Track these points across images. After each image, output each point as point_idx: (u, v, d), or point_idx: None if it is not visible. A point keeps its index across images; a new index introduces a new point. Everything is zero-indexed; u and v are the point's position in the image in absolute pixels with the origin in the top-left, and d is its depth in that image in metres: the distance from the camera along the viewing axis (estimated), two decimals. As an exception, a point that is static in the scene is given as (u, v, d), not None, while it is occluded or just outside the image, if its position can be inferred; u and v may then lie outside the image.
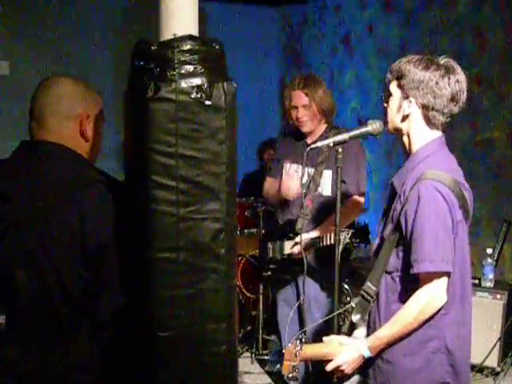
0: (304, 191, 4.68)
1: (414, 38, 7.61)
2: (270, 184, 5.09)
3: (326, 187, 4.66)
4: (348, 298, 6.33)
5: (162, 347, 2.30)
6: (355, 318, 3.10)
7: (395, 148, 7.63)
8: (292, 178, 4.68)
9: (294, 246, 4.62)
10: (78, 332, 2.38)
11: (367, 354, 2.98)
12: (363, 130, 3.46)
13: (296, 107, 4.80)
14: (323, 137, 4.64)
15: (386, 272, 3.01)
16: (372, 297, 3.04)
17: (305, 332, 4.34)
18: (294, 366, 3.03)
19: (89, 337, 2.40)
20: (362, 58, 8.40)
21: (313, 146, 3.64)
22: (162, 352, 2.31)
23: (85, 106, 2.57)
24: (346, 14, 8.67)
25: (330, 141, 3.51)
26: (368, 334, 3.07)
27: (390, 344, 2.95)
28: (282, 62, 9.71)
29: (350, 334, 3.13)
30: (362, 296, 3.08)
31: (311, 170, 4.71)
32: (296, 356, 3.01)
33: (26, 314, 2.33)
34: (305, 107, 4.77)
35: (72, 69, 7.44)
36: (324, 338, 3.15)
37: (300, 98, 4.78)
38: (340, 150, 3.45)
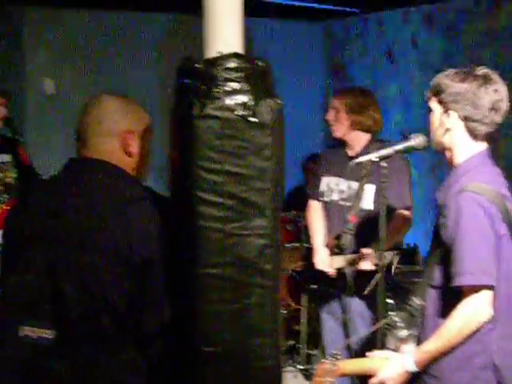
0: (341, 202, 4.70)
1: (456, 51, 7.57)
2: (313, 210, 5.03)
3: (367, 201, 4.59)
4: (392, 313, 6.30)
5: (207, 362, 2.32)
6: (403, 333, 3.07)
7: (440, 162, 7.58)
8: (324, 264, 4.72)
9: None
10: (122, 346, 2.40)
11: (413, 368, 2.96)
12: (406, 144, 3.46)
13: (328, 110, 4.84)
14: (365, 150, 4.56)
15: (432, 286, 3.00)
16: (419, 311, 3.02)
17: (349, 347, 4.34)
18: (328, 382, 3.01)
19: (133, 351, 2.41)
20: (405, 71, 8.37)
21: (356, 160, 3.64)
22: (207, 367, 2.33)
23: (128, 123, 2.58)
24: (389, 27, 8.65)
25: (374, 155, 3.51)
26: None
27: (436, 358, 2.92)
28: (324, 76, 9.70)
29: (396, 348, 3.11)
30: (409, 311, 3.06)
31: (353, 184, 4.62)
32: (329, 373, 2.99)
33: (72, 328, 2.34)
34: (334, 110, 4.75)
35: (118, 86, 7.50)
36: (368, 353, 3.14)
37: (333, 101, 4.80)
38: (385, 164, 3.44)
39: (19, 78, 7.79)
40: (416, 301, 3.03)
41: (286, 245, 6.49)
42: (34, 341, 2.35)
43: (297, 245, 6.39)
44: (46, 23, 7.95)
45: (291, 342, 6.46)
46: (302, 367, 6.15)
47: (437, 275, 2.97)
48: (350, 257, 4.46)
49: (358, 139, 4.75)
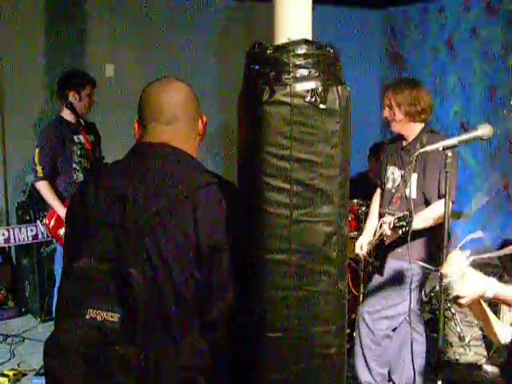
0: (393, 190, 4.91)
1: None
2: (375, 196, 5.39)
3: (412, 190, 4.75)
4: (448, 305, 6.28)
5: (271, 348, 2.32)
6: None
7: (498, 152, 7.50)
8: (358, 248, 5.17)
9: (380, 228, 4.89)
10: (188, 332, 2.40)
11: (489, 296, 2.77)
12: (473, 134, 3.44)
13: (384, 107, 5.01)
14: (417, 139, 4.82)
15: None
16: None
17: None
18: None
19: (199, 337, 2.42)
20: (465, 61, 8.28)
21: (421, 150, 3.66)
22: (271, 353, 2.33)
23: (199, 106, 2.65)
24: (449, 16, 8.56)
25: (439, 145, 3.52)
26: None
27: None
28: (383, 65, 9.65)
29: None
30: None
31: (403, 172, 4.87)
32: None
33: (138, 313, 2.35)
34: (388, 107, 4.96)
35: (175, 70, 7.56)
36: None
37: (386, 98, 4.97)
38: (450, 154, 3.43)
39: (81, 61, 7.91)
40: None
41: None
42: (99, 324, 2.36)
43: (355, 234, 6.37)
44: (108, 9, 8.07)
45: (348, 331, 6.44)
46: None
47: None
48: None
49: (412, 130, 4.92)
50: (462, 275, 2.77)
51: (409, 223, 4.40)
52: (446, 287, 2.78)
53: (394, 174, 5.00)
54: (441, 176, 4.53)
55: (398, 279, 4.80)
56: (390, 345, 5.05)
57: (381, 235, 4.81)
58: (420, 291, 5.01)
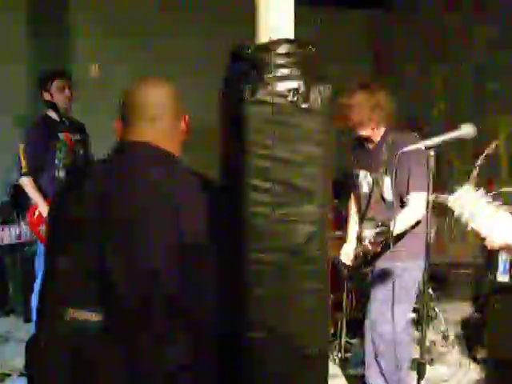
0: (370, 195, 4.83)
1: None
2: (353, 201, 5.27)
3: (388, 193, 4.69)
4: (432, 304, 6.30)
5: (254, 347, 2.32)
6: None
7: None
8: (346, 257, 5.05)
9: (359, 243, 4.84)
10: (172, 330, 2.39)
11: None
12: (455, 134, 3.43)
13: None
14: (383, 140, 4.74)
15: None
16: None
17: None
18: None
19: (184, 335, 2.40)
20: (453, 58, 8.29)
21: (405, 149, 3.63)
22: (254, 352, 2.33)
23: (182, 106, 2.64)
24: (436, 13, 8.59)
25: (421, 144, 3.50)
26: None
27: None
28: (370, 66, 9.66)
29: None
30: None
31: (375, 175, 4.79)
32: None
33: (121, 313, 2.33)
34: (356, 112, 4.72)
35: (160, 71, 7.54)
36: None
37: (349, 103, 4.76)
38: (432, 153, 3.43)
39: (66, 61, 7.90)
40: None
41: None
42: (81, 324, 2.34)
43: (338, 233, 6.37)
44: (92, 9, 8.06)
45: (332, 331, 6.45)
46: (340, 355, 6.14)
47: None
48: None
49: (378, 132, 4.81)
50: (486, 214, 2.40)
51: (388, 233, 4.40)
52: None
53: (366, 177, 4.91)
54: (410, 176, 4.49)
55: (392, 282, 4.75)
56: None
57: (363, 248, 4.78)
58: (418, 290, 4.95)
